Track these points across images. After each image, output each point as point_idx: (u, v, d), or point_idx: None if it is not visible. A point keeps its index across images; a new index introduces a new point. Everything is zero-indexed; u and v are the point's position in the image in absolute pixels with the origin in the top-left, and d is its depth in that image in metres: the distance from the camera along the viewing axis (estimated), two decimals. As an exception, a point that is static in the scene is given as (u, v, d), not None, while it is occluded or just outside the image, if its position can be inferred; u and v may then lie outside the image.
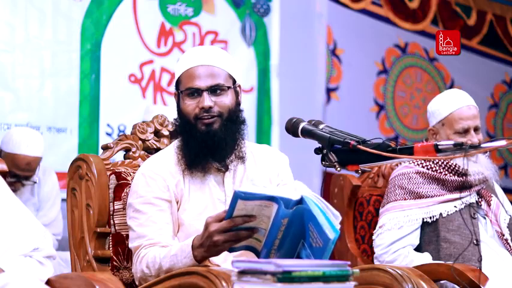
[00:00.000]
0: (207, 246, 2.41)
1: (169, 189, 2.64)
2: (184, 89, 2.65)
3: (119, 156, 3.02)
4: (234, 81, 2.71)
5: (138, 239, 2.61)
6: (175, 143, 2.76)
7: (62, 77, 5.18)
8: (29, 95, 5.08)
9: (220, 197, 2.67)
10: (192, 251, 2.46)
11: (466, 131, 3.45)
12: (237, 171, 2.71)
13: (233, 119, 2.67)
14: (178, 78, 2.69)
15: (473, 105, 3.52)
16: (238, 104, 2.71)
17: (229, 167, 2.70)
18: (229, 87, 2.67)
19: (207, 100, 2.62)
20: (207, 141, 2.63)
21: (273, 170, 2.79)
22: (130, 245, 2.65)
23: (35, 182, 4.66)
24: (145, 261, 2.56)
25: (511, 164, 7.70)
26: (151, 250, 2.57)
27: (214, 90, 2.64)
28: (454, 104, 3.48)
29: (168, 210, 2.63)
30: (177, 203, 2.65)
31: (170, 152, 2.74)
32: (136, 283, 2.63)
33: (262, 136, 5.92)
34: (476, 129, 3.47)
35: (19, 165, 4.52)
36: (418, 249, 3.43)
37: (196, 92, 2.64)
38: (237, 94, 2.71)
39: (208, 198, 2.66)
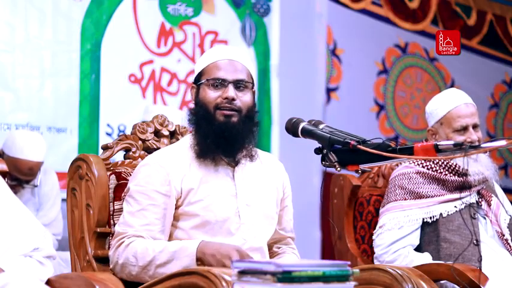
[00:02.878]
0: (216, 262, 2.47)
1: (171, 184, 2.66)
2: (210, 78, 2.69)
3: (119, 156, 3.02)
4: (253, 83, 2.76)
5: (125, 226, 2.64)
6: (188, 137, 2.79)
7: (62, 77, 5.18)
8: (29, 95, 5.08)
9: (231, 191, 2.70)
10: (196, 253, 2.50)
11: (464, 129, 3.45)
12: (246, 168, 2.75)
13: (250, 117, 2.72)
14: (201, 71, 2.73)
15: (471, 103, 3.51)
16: (254, 104, 2.76)
17: (240, 162, 2.73)
18: (251, 85, 2.73)
19: (232, 91, 2.67)
20: (224, 132, 2.66)
21: (280, 181, 2.85)
22: (116, 227, 2.68)
23: (36, 186, 4.67)
24: (132, 250, 2.58)
25: (511, 164, 7.70)
26: (140, 241, 2.59)
27: (238, 85, 2.69)
28: (452, 103, 3.48)
29: (162, 205, 2.65)
30: (180, 198, 2.66)
31: (182, 145, 2.77)
32: (110, 266, 2.65)
33: (262, 136, 5.92)
34: (475, 127, 3.47)
35: (21, 169, 4.52)
36: (418, 249, 3.43)
37: (221, 83, 2.69)
38: (253, 95, 2.76)
39: (218, 191, 2.69)
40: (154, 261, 2.55)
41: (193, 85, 2.76)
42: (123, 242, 2.61)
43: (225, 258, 2.47)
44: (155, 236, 2.63)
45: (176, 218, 2.68)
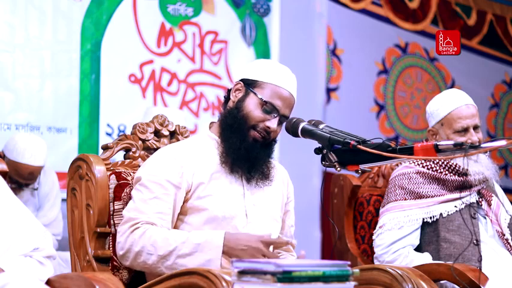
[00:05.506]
0: (248, 255, 2.50)
1: (183, 176, 2.67)
2: (267, 101, 2.70)
3: (119, 156, 3.02)
4: None
5: (136, 213, 2.63)
6: (202, 134, 2.81)
7: (62, 77, 5.18)
8: (29, 95, 5.08)
9: (239, 190, 2.73)
10: (222, 247, 2.52)
11: (465, 130, 3.45)
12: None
13: (271, 145, 2.77)
14: (260, 82, 2.73)
15: (472, 104, 3.51)
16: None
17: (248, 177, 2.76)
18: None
19: (276, 124, 2.71)
20: (249, 153, 2.69)
21: (285, 186, 2.89)
22: (124, 212, 2.67)
23: (35, 189, 4.67)
24: (151, 239, 2.57)
25: (511, 164, 7.71)
26: (158, 230, 2.59)
27: (282, 120, 2.73)
28: (452, 104, 3.48)
29: (173, 195, 2.66)
30: (190, 191, 2.68)
31: (195, 141, 2.80)
32: (120, 253, 2.63)
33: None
34: (475, 128, 3.47)
35: (22, 174, 4.52)
36: (418, 249, 3.43)
37: (272, 111, 2.70)
38: None
39: (227, 189, 2.71)
40: (175, 251, 2.55)
41: (242, 84, 2.76)
42: (137, 228, 2.60)
43: (256, 251, 2.50)
44: (166, 225, 2.64)
45: (184, 212, 2.70)
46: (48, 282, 2.35)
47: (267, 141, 2.73)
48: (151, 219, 2.61)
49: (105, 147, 2.90)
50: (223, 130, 2.75)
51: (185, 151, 2.73)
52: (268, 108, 2.70)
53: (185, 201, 2.69)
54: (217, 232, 2.58)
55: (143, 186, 2.67)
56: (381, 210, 3.51)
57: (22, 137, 4.56)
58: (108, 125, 5.35)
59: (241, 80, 2.77)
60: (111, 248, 2.78)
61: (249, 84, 2.74)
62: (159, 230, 2.59)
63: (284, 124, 2.71)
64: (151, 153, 2.90)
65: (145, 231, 2.59)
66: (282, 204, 2.86)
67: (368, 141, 2.45)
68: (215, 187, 2.70)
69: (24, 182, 4.59)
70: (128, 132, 3.15)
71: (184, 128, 3.03)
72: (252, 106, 2.71)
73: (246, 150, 2.69)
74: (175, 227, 2.70)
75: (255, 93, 2.72)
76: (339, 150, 2.49)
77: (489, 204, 3.45)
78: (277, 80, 2.73)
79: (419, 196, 3.42)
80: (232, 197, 2.71)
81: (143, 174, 2.69)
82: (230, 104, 2.77)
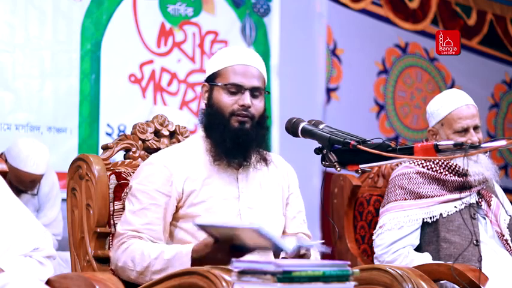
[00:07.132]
0: (209, 260, 2.43)
1: (173, 184, 2.66)
2: (227, 83, 2.69)
3: (119, 156, 3.02)
4: (265, 88, 2.77)
5: (125, 225, 2.64)
6: (194, 137, 2.80)
7: (62, 77, 5.19)
8: (29, 95, 5.08)
9: (234, 193, 2.71)
10: (191, 261, 2.50)
11: (465, 130, 3.45)
12: (250, 170, 2.75)
13: (262, 123, 2.74)
14: (216, 72, 2.72)
15: (472, 104, 3.51)
16: (265, 109, 2.77)
17: (246, 165, 2.72)
18: (264, 92, 2.74)
19: (248, 99, 2.68)
20: (239, 138, 2.67)
21: (285, 180, 2.85)
22: (117, 226, 2.69)
23: (35, 194, 4.68)
24: (130, 255, 2.59)
25: (511, 164, 7.70)
26: (138, 244, 2.59)
27: (254, 92, 2.70)
28: (453, 104, 3.48)
29: (163, 205, 2.66)
30: (181, 199, 2.67)
31: (187, 146, 2.78)
32: (112, 267, 2.67)
33: (262, 136, 5.91)
34: (475, 128, 3.47)
35: (23, 181, 4.53)
36: (418, 249, 3.43)
37: (238, 89, 2.69)
38: (265, 100, 2.77)
39: (221, 193, 2.69)
40: (150, 267, 2.57)
41: (205, 83, 2.76)
42: (123, 243, 2.62)
43: (214, 258, 2.44)
44: (156, 235, 2.64)
45: (178, 219, 2.69)
46: (48, 282, 2.35)
47: (254, 121, 2.70)
48: (139, 231, 2.63)
49: (105, 147, 2.90)
50: (205, 130, 2.74)
51: (175, 158, 2.71)
52: (232, 89, 2.69)
53: (178, 208, 2.69)
54: (185, 246, 2.56)
55: (133, 196, 2.67)
56: (381, 210, 3.51)
57: (26, 145, 4.54)
58: (108, 125, 5.35)
59: (205, 82, 2.78)
60: (111, 248, 2.78)
61: (210, 80, 2.74)
62: (139, 245, 2.60)
63: (285, 124, 2.70)
64: (151, 153, 2.90)
65: (128, 246, 2.61)
66: (282, 200, 2.84)
67: (368, 141, 2.45)
68: (208, 193, 2.68)
69: (24, 189, 4.60)
70: (128, 132, 3.15)
71: (184, 128, 3.03)
72: (219, 96, 2.70)
73: (232, 139, 2.66)
74: (171, 232, 2.70)
75: (216, 84, 2.71)
76: (339, 150, 2.49)
77: (489, 205, 3.45)
78: (228, 61, 2.72)
79: (419, 196, 3.42)
80: (226, 201, 2.68)
81: (134, 183, 2.70)
82: (203, 106, 2.77)
